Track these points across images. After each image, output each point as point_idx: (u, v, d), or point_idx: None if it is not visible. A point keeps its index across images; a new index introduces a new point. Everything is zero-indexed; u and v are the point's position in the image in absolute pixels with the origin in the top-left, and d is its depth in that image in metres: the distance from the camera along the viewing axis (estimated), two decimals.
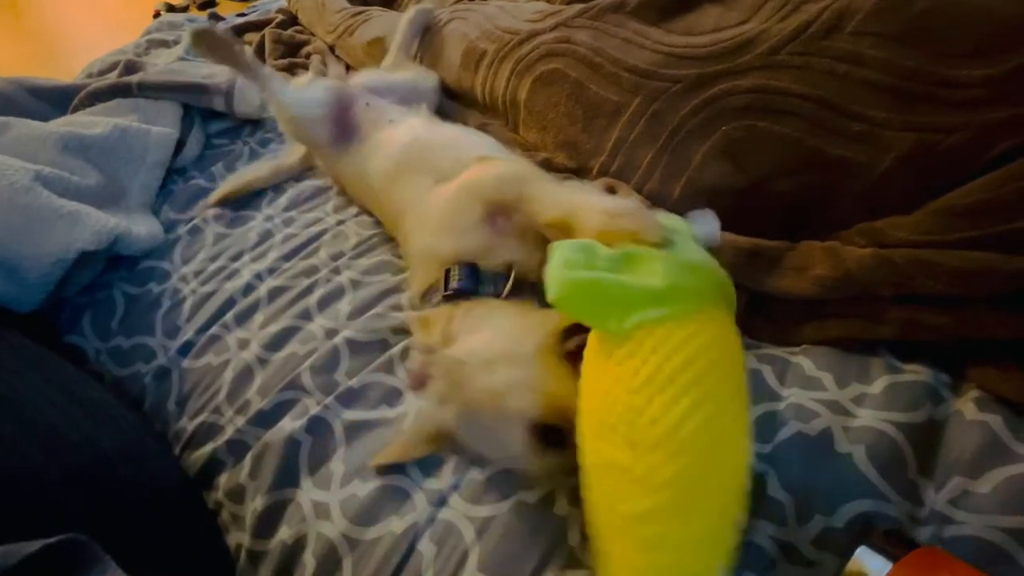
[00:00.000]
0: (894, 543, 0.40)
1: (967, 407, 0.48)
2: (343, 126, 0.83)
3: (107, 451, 0.59)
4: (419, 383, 0.49)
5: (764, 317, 0.58)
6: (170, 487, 0.63)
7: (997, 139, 0.47)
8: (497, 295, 0.57)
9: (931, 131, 0.50)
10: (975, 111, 0.48)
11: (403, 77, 0.93)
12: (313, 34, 1.30)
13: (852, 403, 0.52)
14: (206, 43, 0.86)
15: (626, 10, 0.74)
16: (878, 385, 0.52)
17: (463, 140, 0.75)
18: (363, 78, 0.93)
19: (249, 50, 1.26)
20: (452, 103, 0.97)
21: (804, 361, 0.56)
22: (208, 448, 0.64)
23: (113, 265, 0.85)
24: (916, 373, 0.52)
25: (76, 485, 0.53)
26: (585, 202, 0.49)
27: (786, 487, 0.46)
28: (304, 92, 0.87)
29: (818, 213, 0.58)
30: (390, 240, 0.81)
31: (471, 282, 0.57)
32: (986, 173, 0.47)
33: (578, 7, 0.79)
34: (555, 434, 0.43)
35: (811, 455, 0.48)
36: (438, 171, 0.68)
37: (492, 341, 0.49)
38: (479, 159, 0.63)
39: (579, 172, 0.74)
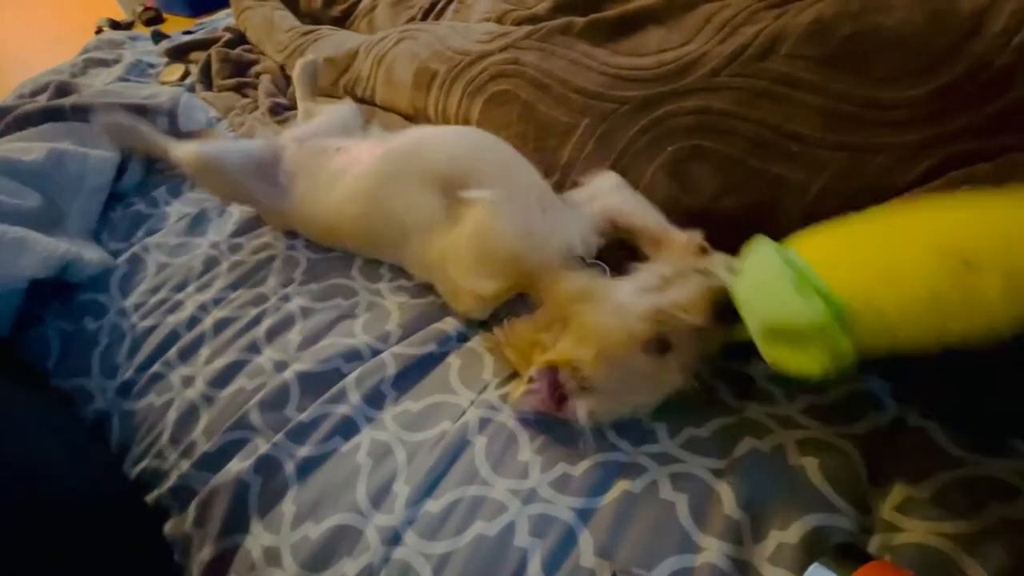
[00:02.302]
0: (845, 558, 0.40)
1: (909, 414, 0.50)
2: (272, 177, 0.80)
3: (74, 489, 0.55)
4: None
5: None
6: (136, 529, 0.59)
7: (920, 158, 0.49)
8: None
9: (861, 150, 0.52)
10: (899, 131, 0.51)
11: (323, 119, 0.90)
12: (263, 53, 1.27)
13: (802, 415, 0.53)
14: (112, 133, 0.88)
15: (573, 32, 0.75)
16: (826, 397, 0.53)
17: (434, 136, 0.74)
18: (287, 133, 0.89)
19: (188, 77, 1.23)
20: (408, 124, 0.96)
21: (756, 374, 0.57)
22: (151, 496, 0.60)
23: (45, 300, 0.79)
24: (861, 382, 0.54)
25: (37, 521, 0.49)
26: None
27: (742, 505, 0.47)
28: (215, 141, 0.85)
29: (764, 231, 0.59)
30: (343, 260, 0.78)
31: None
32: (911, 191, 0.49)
33: (527, 28, 0.79)
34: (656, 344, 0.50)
35: (765, 471, 0.49)
36: (431, 173, 0.66)
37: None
38: (479, 202, 0.59)
39: None
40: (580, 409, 0.51)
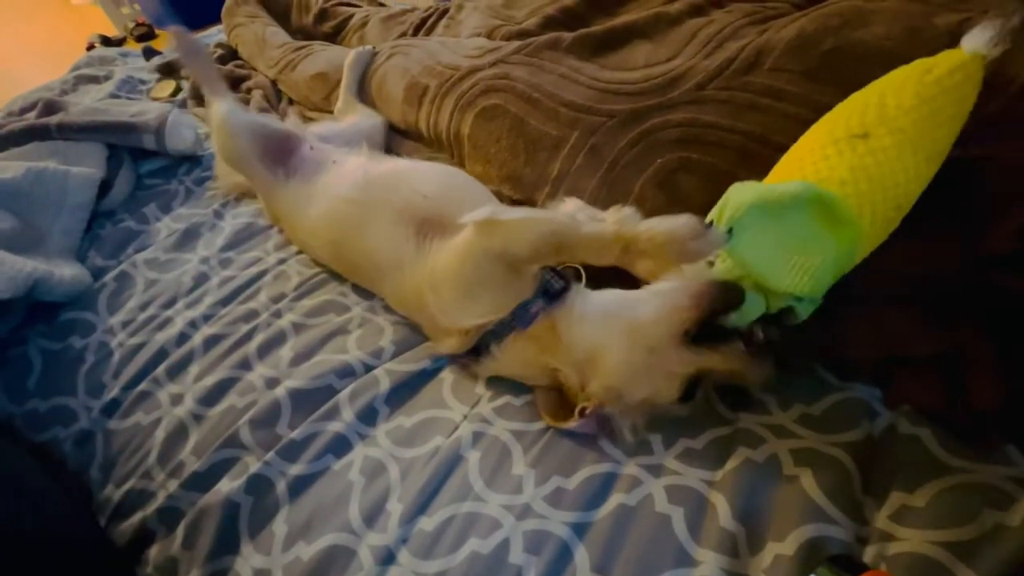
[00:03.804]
0: (842, 569, 0.40)
1: (900, 422, 0.50)
2: (285, 163, 0.82)
3: (27, 532, 0.53)
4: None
5: None
6: (99, 567, 0.57)
7: None
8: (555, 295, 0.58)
9: None
10: None
11: (348, 122, 0.93)
12: (254, 68, 1.27)
13: (796, 424, 0.53)
14: (183, 43, 0.90)
15: (561, 46, 0.77)
16: (818, 406, 0.54)
17: (411, 172, 0.74)
18: (313, 127, 0.92)
19: (179, 93, 1.24)
20: (400, 138, 0.96)
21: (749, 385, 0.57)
22: (137, 518, 0.59)
23: (29, 318, 0.78)
24: (852, 390, 0.54)
25: None
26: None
27: (738, 517, 0.47)
28: (247, 112, 0.87)
29: None
30: (336, 275, 0.79)
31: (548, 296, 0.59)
32: None
33: (516, 44, 0.80)
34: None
35: (760, 482, 0.49)
36: (404, 210, 0.66)
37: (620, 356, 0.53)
38: (477, 225, 0.57)
39: (525, 204, 0.74)
40: (626, 431, 0.54)
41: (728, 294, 0.48)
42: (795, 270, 0.45)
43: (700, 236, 0.46)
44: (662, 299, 0.52)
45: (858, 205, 0.43)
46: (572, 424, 0.54)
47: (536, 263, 0.58)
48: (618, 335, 0.53)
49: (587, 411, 0.54)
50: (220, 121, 0.84)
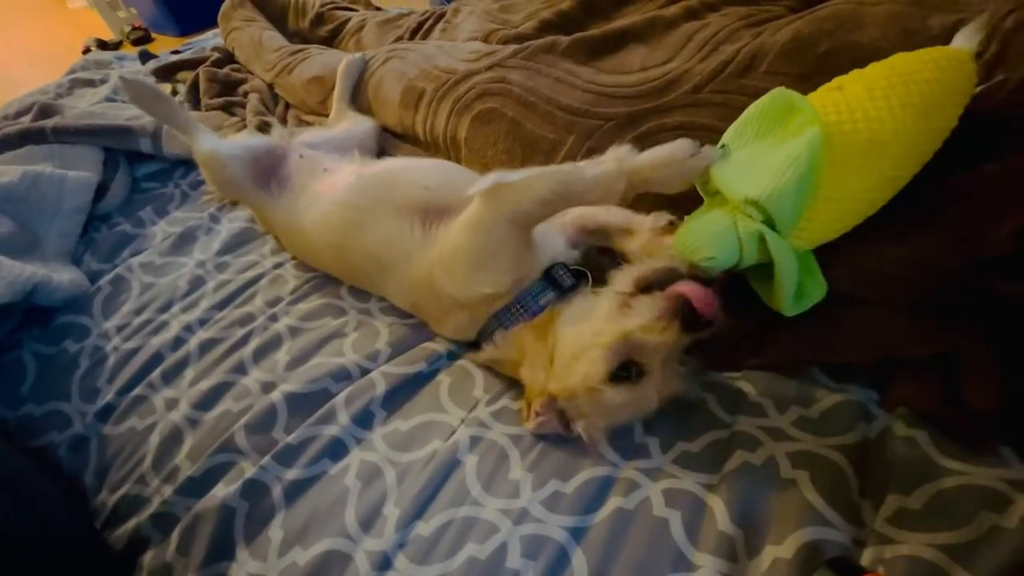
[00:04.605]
0: (840, 572, 0.40)
1: (896, 424, 0.50)
2: (274, 177, 0.81)
3: (25, 533, 0.53)
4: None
5: (703, 343, 0.59)
6: (97, 569, 0.57)
7: None
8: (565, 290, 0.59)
9: None
10: None
11: (339, 129, 0.93)
12: (250, 72, 1.27)
13: (793, 427, 0.53)
14: (132, 91, 0.86)
15: (558, 50, 0.77)
16: (815, 409, 0.54)
17: (408, 167, 0.74)
18: (301, 136, 0.92)
19: (176, 97, 1.24)
20: (396, 141, 0.96)
21: (746, 387, 0.58)
22: (131, 524, 0.58)
23: (23, 322, 0.78)
24: (848, 393, 0.54)
25: None
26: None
27: (735, 520, 0.46)
28: (228, 140, 0.85)
29: None
30: (332, 279, 0.78)
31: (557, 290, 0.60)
32: None
33: (512, 48, 0.80)
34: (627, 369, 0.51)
35: (758, 485, 0.49)
36: (405, 203, 0.66)
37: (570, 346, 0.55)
38: (484, 195, 0.57)
39: None
40: (582, 431, 0.53)
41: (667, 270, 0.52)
42: (761, 171, 0.46)
43: (697, 153, 0.49)
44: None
45: (827, 134, 0.45)
46: (530, 425, 0.55)
47: (546, 217, 0.58)
48: (572, 319, 0.55)
49: (536, 407, 0.54)
50: (206, 158, 0.83)
